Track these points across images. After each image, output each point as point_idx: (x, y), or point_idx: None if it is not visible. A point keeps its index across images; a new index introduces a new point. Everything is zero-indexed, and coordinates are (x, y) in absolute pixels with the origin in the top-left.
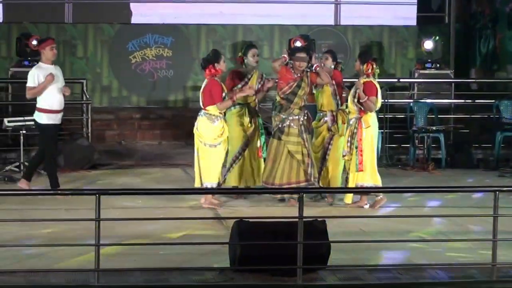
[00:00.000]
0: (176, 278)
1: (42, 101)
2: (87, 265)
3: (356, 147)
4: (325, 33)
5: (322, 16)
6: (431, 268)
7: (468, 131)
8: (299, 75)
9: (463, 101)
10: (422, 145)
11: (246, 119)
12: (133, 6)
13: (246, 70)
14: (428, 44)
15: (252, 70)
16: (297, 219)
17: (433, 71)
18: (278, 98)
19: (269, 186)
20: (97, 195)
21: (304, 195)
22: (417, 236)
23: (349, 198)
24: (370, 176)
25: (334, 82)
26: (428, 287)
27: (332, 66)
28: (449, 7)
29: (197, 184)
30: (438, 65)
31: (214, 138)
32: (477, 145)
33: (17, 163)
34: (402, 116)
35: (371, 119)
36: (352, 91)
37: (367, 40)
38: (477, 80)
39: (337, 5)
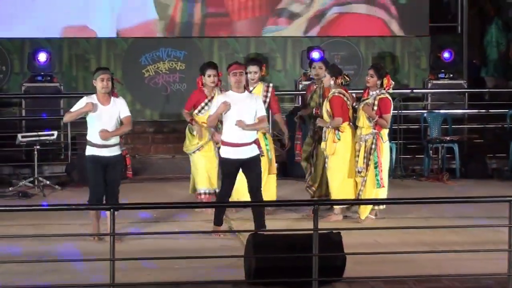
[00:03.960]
0: None
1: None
2: (103, 279)
3: (376, 163)
4: (337, 45)
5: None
6: (446, 279)
7: (482, 141)
8: (316, 86)
9: (477, 110)
10: (436, 156)
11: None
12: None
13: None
14: (445, 54)
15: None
16: (312, 231)
17: (446, 81)
18: None
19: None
20: (111, 210)
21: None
22: (433, 247)
23: (364, 213)
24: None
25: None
26: None
27: (332, 83)
28: (461, 17)
29: (190, 191)
30: (451, 75)
31: (191, 145)
32: (491, 155)
33: (31, 178)
34: (416, 126)
35: (387, 133)
36: (364, 107)
37: (380, 51)
38: (490, 90)
39: None
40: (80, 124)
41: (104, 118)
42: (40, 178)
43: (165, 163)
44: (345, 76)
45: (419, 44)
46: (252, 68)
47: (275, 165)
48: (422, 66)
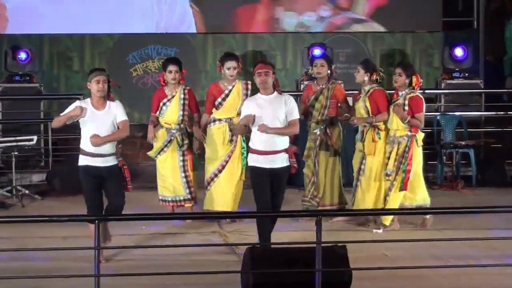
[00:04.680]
0: None
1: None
2: None
3: (405, 169)
4: (342, 41)
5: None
6: None
7: (500, 145)
8: (322, 86)
9: (494, 113)
10: (450, 162)
11: (226, 137)
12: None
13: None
14: (457, 52)
15: (232, 82)
16: (315, 245)
17: (461, 80)
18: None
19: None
20: (96, 221)
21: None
22: (446, 261)
23: (388, 219)
24: (422, 195)
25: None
26: None
27: (366, 79)
28: (477, 11)
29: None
30: (466, 74)
31: (154, 149)
32: (510, 161)
33: (9, 188)
34: (428, 130)
35: (422, 137)
36: (395, 108)
37: (389, 47)
38: (510, 90)
39: None
40: (61, 128)
41: (98, 124)
42: (19, 187)
43: (155, 171)
44: (380, 73)
45: (431, 40)
46: (232, 64)
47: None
48: (435, 64)
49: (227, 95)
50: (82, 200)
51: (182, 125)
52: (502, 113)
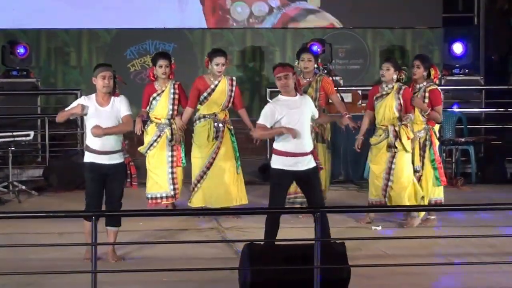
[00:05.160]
0: None
1: None
2: None
3: (433, 160)
4: (342, 37)
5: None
6: None
7: (500, 142)
8: (309, 79)
9: (494, 109)
10: (450, 159)
11: (211, 134)
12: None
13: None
14: (457, 48)
15: (218, 78)
16: (313, 242)
17: (461, 77)
18: None
19: None
20: (93, 218)
21: None
22: (446, 258)
23: (421, 213)
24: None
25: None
26: None
27: (395, 77)
28: (478, 7)
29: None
30: (467, 70)
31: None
32: (510, 158)
33: (5, 183)
34: None
35: (438, 129)
36: (416, 100)
37: (389, 43)
38: (510, 87)
39: None
40: (58, 123)
41: (101, 121)
42: (15, 183)
43: None
44: (405, 72)
45: (431, 36)
46: (220, 60)
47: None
48: (435, 61)
49: (213, 90)
50: (79, 196)
51: (172, 120)
52: (502, 109)
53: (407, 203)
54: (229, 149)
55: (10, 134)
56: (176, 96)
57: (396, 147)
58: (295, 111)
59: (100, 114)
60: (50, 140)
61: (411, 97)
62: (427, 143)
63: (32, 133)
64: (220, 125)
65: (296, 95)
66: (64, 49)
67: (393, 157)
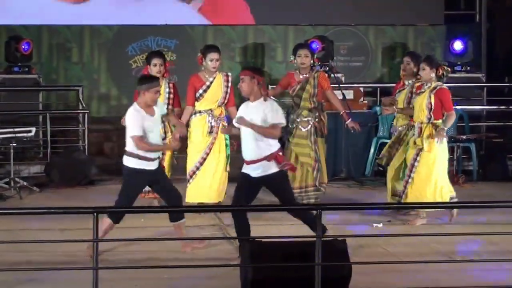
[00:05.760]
0: None
1: None
2: None
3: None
4: (344, 34)
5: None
6: None
7: (502, 140)
8: (305, 75)
9: (496, 107)
10: (451, 156)
11: (205, 129)
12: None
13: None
14: (459, 45)
15: (213, 74)
16: (314, 239)
17: (463, 74)
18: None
19: None
20: (94, 214)
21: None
22: (447, 256)
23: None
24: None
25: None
26: None
27: (433, 75)
28: (479, 4)
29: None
30: (468, 68)
31: None
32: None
33: (7, 179)
34: None
35: None
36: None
37: (391, 41)
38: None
39: None
40: (60, 119)
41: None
42: (17, 179)
43: None
44: (444, 67)
45: (432, 33)
46: (215, 56)
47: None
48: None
49: (208, 87)
50: (80, 192)
51: (164, 119)
52: (503, 107)
53: (429, 200)
54: (222, 146)
55: (11, 130)
56: (171, 96)
57: (417, 144)
58: (249, 116)
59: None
60: (52, 136)
61: (449, 101)
62: (406, 138)
63: (33, 129)
64: (215, 121)
65: (254, 100)
66: (66, 45)
67: (417, 154)
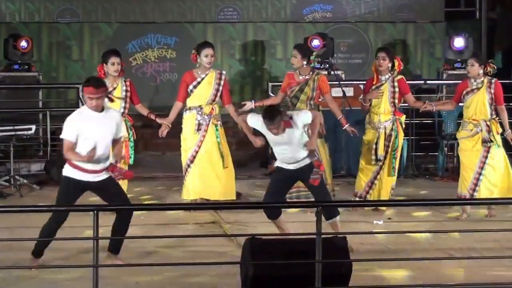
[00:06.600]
0: None
1: None
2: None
3: (395, 150)
4: (344, 31)
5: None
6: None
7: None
8: (305, 77)
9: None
10: (451, 153)
11: (193, 126)
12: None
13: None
14: (459, 42)
15: (206, 71)
16: (315, 236)
17: (463, 71)
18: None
19: None
20: (94, 212)
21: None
22: (448, 253)
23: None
24: None
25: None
26: None
27: (481, 72)
28: (480, 1)
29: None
30: None
31: None
32: (511, 153)
33: (7, 177)
34: (430, 121)
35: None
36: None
37: (390, 38)
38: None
39: None
40: (60, 117)
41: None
42: (17, 177)
43: (154, 161)
44: (491, 65)
45: (433, 30)
46: (209, 51)
47: (230, 158)
48: (437, 55)
49: (198, 83)
50: None
51: (122, 117)
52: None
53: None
54: (213, 144)
55: (11, 128)
56: (128, 94)
57: (491, 141)
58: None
59: None
60: (52, 134)
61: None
62: (393, 133)
63: (33, 127)
64: (201, 118)
65: (101, 111)
66: (65, 42)
67: (488, 151)
